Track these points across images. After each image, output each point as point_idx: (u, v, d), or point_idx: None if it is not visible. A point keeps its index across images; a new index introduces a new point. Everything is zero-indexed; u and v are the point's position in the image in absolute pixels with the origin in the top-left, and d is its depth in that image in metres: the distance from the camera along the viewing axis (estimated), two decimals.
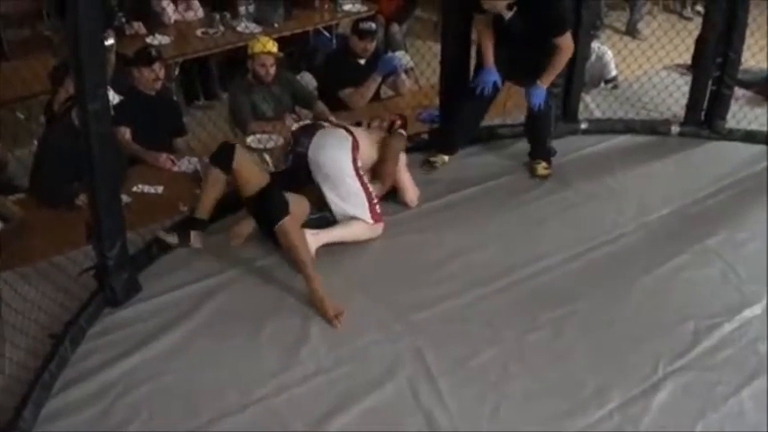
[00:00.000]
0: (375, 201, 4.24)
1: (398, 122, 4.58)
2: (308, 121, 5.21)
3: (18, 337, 3.29)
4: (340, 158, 4.18)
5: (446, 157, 5.00)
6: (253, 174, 3.98)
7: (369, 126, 4.60)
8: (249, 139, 4.97)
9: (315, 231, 4.09)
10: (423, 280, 4.00)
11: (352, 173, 4.18)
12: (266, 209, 3.94)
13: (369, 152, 4.39)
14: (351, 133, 4.29)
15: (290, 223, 3.86)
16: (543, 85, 4.67)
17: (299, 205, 4.04)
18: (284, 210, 3.88)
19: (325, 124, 4.44)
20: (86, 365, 3.43)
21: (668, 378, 3.47)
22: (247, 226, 4.16)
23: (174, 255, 4.12)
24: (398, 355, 3.54)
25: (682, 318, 3.80)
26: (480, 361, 3.53)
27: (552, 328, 3.73)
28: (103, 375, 3.38)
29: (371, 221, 4.20)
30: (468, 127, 5.03)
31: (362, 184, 4.20)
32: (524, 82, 4.81)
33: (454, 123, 5.03)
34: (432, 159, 4.94)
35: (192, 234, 4.09)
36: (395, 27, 7.89)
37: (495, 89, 4.82)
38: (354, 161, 4.20)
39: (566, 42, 4.57)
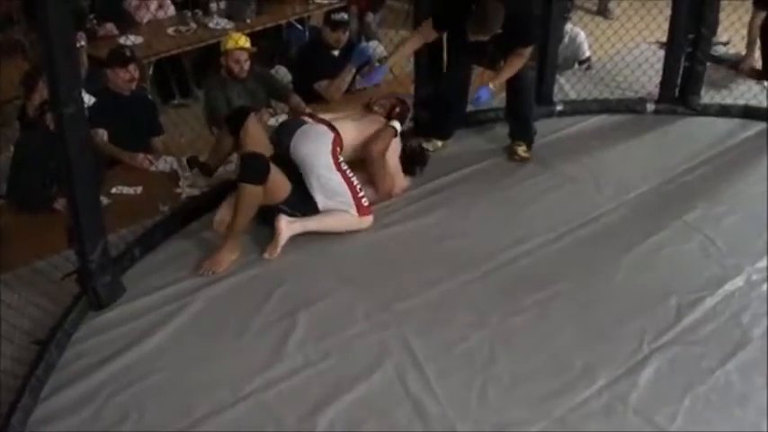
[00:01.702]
0: (361, 194, 4.22)
1: (397, 109, 4.53)
2: (285, 116, 5.22)
3: (3, 345, 3.27)
4: (319, 154, 4.16)
5: (440, 143, 5.03)
6: (259, 142, 4.04)
7: (370, 107, 4.59)
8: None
9: (292, 219, 4.10)
10: (407, 267, 4.02)
11: (333, 168, 4.16)
12: (244, 166, 3.99)
13: (356, 143, 4.38)
14: (333, 128, 4.28)
15: (252, 191, 3.92)
16: (493, 88, 4.69)
17: (278, 183, 4.06)
18: (259, 176, 3.93)
19: (307, 120, 4.41)
20: (74, 369, 3.42)
21: (654, 354, 3.49)
22: (228, 211, 4.13)
23: (158, 255, 4.12)
24: (385, 345, 3.55)
25: (664, 293, 3.83)
26: (467, 346, 3.54)
27: (537, 310, 3.75)
28: (92, 378, 3.37)
29: (357, 215, 4.20)
30: (456, 110, 5.06)
31: (345, 178, 4.18)
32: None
33: (442, 109, 5.03)
34: (424, 146, 4.94)
35: (193, 172, 4.29)
36: (369, 17, 7.89)
37: (469, 68, 4.88)
38: (335, 156, 4.18)
39: (527, 51, 4.65)
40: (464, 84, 4.92)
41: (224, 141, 4.29)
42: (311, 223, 4.16)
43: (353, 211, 4.18)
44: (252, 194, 3.96)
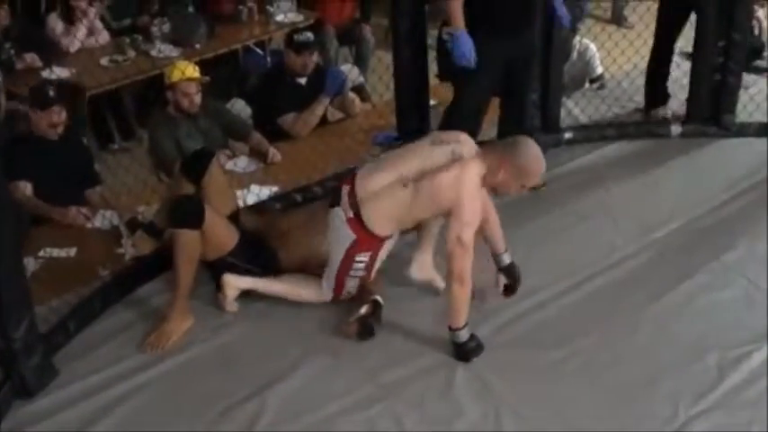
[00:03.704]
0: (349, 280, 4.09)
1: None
2: (245, 158, 5.24)
3: None
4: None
5: None
6: (225, 191, 4.21)
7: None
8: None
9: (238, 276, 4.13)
10: (395, 328, 4.01)
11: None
12: (174, 209, 4.02)
13: None
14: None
15: (188, 237, 3.93)
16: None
17: (221, 230, 4.09)
18: (193, 219, 3.95)
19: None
20: None
21: (692, 423, 3.48)
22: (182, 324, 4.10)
23: (96, 329, 4.10)
24: (373, 423, 3.53)
25: (702, 350, 3.83)
26: (469, 420, 3.53)
27: (550, 373, 3.75)
28: None
29: (327, 289, 4.11)
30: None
31: (346, 263, 4.03)
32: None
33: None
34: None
35: (137, 234, 4.24)
36: (366, 31, 7.89)
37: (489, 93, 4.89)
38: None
39: None
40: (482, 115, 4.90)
41: (179, 192, 4.26)
42: (263, 282, 4.16)
43: (328, 283, 4.09)
44: (189, 242, 3.97)
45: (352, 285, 4.08)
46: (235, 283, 4.11)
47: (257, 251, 4.22)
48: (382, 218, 3.87)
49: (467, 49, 4.57)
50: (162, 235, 4.38)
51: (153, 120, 5.51)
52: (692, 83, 5.59)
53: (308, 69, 5.80)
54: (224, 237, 4.13)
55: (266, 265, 4.21)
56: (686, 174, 5.22)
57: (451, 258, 3.70)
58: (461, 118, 4.72)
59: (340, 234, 3.93)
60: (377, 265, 4.05)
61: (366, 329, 3.99)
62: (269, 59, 7.56)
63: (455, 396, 3.65)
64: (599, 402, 3.59)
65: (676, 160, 5.34)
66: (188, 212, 3.99)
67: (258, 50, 7.64)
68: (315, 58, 5.90)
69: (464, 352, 3.82)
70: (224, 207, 4.24)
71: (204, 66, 5.74)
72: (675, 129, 5.57)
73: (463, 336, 3.80)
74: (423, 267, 4.19)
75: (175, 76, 5.24)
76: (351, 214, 3.87)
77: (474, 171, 3.73)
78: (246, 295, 4.16)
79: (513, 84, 4.84)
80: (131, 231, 4.50)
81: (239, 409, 3.62)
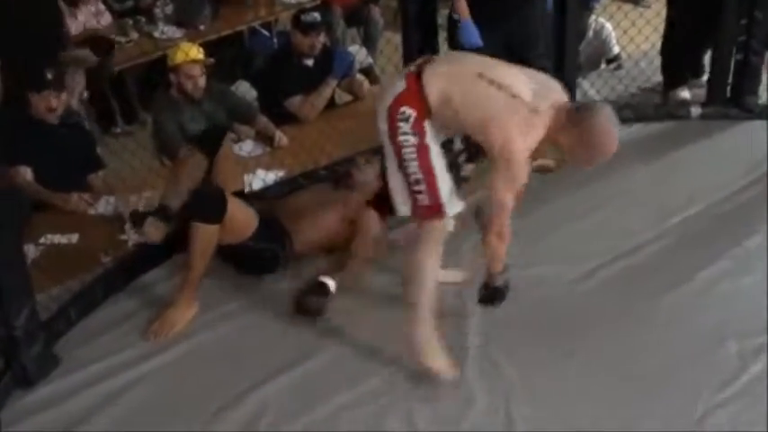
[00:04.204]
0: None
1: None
2: (251, 142, 5.25)
3: None
4: None
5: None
6: (235, 171, 4.27)
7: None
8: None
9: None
10: (400, 318, 3.88)
11: None
12: (195, 202, 4.05)
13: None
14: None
15: (206, 231, 3.95)
16: None
17: (241, 218, 4.10)
18: (214, 214, 3.96)
19: None
20: None
21: (712, 414, 3.46)
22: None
23: (99, 317, 4.12)
24: (381, 417, 3.53)
25: (722, 338, 3.82)
26: (479, 409, 3.54)
27: (564, 364, 3.74)
28: None
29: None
30: None
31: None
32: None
33: None
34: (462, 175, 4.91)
35: (149, 221, 4.18)
36: (375, 12, 7.88)
37: None
38: None
39: None
40: None
41: (186, 171, 4.29)
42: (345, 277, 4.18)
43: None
44: (206, 235, 3.98)
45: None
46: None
47: (273, 231, 4.25)
48: (439, 89, 3.47)
49: (473, 38, 4.64)
50: (172, 219, 4.37)
51: (156, 103, 5.52)
52: (712, 63, 5.57)
53: (316, 50, 5.80)
54: (245, 223, 4.15)
55: (284, 244, 4.25)
56: (706, 157, 5.20)
57: (491, 217, 3.58)
58: None
59: (392, 89, 3.58)
60: (436, 178, 3.53)
61: (300, 307, 4.07)
62: (275, 41, 7.56)
63: (466, 389, 3.64)
64: (615, 394, 3.58)
65: (696, 143, 5.33)
66: (209, 206, 4.00)
67: (264, 32, 7.63)
68: (322, 38, 5.91)
69: (491, 295, 3.78)
70: (233, 184, 4.30)
71: (208, 47, 5.74)
72: (695, 110, 5.56)
73: (498, 280, 3.75)
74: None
75: (179, 58, 5.25)
76: (412, 69, 3.59)
77: (543, 123, 3.44)
78: (250, 283, 4.21)
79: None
80: (133, 223, 4.50)
81: (241, 402, 3.62)
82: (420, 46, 5.06)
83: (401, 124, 3.50)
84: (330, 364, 3.80)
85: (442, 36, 5.25)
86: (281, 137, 5.38)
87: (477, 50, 4.55)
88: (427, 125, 3.49)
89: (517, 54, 4.76)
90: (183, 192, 4.22)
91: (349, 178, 4.48)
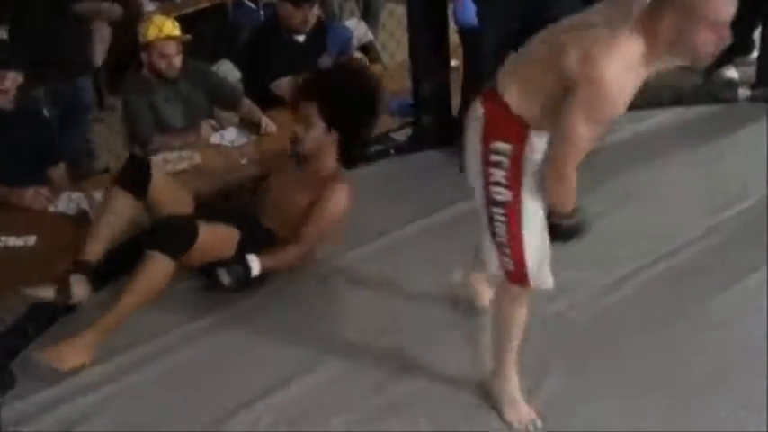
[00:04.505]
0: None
1: None
2: (233, 130, 5.22)
3: None
4: None
5: None
6: (178, 197, 4.16)
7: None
8: (152, 160, 4.94)
9: None
10: (409, 328, 4.03)
11: None
12: (160, 229, 4.04)
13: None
14: None
15: (163, 265, 3.92)
16: None
17: (219, 237, 4.12)
18: (180, 245, 3.95)
19: None
20: None
21: (761, 428, 3.44)
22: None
23: (58, 331, 4.08)
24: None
25: None
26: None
27: (603, 376, 3.72)
28: None
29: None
30: None
31: None
32: None
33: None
34: None
35: (73, 279, 4.05)
36: None
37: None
38: None
39: None
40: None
41: (119, 212, 4.21)
42: None
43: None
44: (161, 270, 3.94)
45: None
46: None
47: (255, 235, 4.27)
48: (516, 88, 3.17)
49: (468, 16, 4.67)
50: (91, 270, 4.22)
51: (126, 84, 5.51)
52: (763, 40, 5.57)
53: (308, 25, 5.80)
54: (224, 243, 4.17)
55: (267, 243, 4.27)
56: (757, 143, 5.17)
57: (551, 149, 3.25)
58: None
59: (472, 125, 3.29)
60: (523, 246, 3.35)
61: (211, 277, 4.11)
62: (262, 13, 7.53)
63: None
64: (662, 407, 3.56)
65: (745, 128, 5.35)
66: (174, 235, 3.99)
67: (250, 3, 7.62)
68: (315, 11, 5.87)
69: (568, 232, 3.45)
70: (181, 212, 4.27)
71: (185, 21, 5.71)
72: (743, 92, 5.57)
73: (570, 221, 3.44)
74: (469, 282, 4.09)
75: (151, 33, 5.27)
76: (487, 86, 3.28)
77: (635, 40, 2.98)
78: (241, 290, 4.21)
79: None
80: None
81: (228, 423, 3.60)
82: (426, 18, 5.04)
83: (494, 171, 3.23)
84: (325, 382, 3.79)
85: (452, 8, 5.23)
86: (267, 123, 5.35)
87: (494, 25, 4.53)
88: (528, 153, 3.21)
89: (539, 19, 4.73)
90: (104, 237, 4.17)
91: (299, 155, 4.41)
